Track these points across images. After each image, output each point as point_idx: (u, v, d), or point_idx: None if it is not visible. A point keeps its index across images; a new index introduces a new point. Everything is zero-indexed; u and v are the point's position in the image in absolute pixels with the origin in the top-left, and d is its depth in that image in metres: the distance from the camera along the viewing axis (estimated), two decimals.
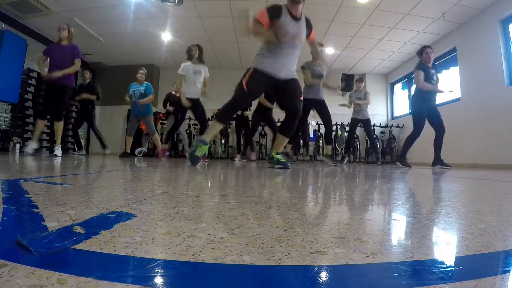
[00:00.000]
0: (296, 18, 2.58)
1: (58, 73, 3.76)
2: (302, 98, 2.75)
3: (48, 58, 3.94)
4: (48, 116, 4.25)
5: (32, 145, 3.96)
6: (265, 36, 2.52)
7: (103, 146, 5.73)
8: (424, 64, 4.20)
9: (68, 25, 4.05)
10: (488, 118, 5.24)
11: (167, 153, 5.13)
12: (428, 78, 4.12)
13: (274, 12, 2.50)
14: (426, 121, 4.20)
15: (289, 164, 2.80)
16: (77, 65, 3.94)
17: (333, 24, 6.21)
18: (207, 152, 8.02)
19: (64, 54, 3.89)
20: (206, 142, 2.64)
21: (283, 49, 2.56)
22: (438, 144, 4.18)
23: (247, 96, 2.66)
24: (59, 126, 4.01)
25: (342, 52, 7.58)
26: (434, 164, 4.21)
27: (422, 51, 4.23)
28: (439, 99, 4.23)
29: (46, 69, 3.94)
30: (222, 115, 2.63)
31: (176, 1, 5.13)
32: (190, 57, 4.51)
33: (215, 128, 2.69)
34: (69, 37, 4.00)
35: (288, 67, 2.64)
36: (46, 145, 6.54)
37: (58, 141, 4.02)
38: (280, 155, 2.85)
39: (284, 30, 2.50)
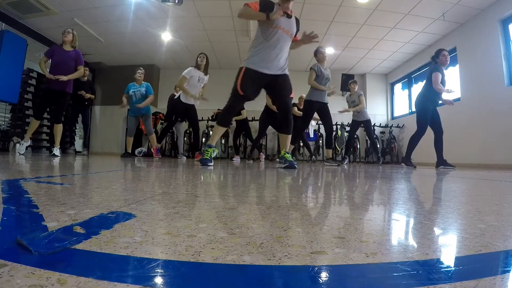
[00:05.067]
0: (288, 15, 2.68)
1: (63, 78, 3.80)
2: (292, 94, 2.84)
3: (50, 60, 3.96)
4: (46, 117, 4.33)
5: (24, 146, 4.05)
6: (254, 16, 2.58)
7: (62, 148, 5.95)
8: (440, 67, 4.22)
9: (73, 29, 4.07)
10: (488, 118, 5.24)
11: (159, 152, 5.34)
12: (443, 81, 4.17)
13: (265, 6, 2.56)
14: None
15: (295, 163, 2.83)
16: (80, 71, 4.00)
17: (333, 24, 6.20)
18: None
19: (67, 59, 3.93)
20: (212, 145, 2.78)
21: (270, 45, 2.65)
22: (438, 145, 4.19)
23: (243, 98, 2.73)
24: (59, 128, 4.11)
25: (342, 52, 7.57)
26: (438, 165, 4.23)
27: (438, 54, 4.24)
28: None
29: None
30: (222, 119, 2.76)
31: (176, 1, 5.13)
32: (197, 65, 4.73)
33: (218, 132, 2.83)
34: (73, 41, 4.02)
35: (276, 63, 2.70)
36: (46, 145, 6.54)
37: (57, 142, 4.12)
38: (289, 154, 2.87)
39: (276, 23, 2.59)
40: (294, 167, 2.74)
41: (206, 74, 4.83)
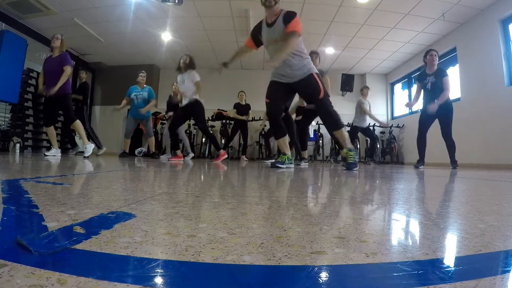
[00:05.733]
0: (269, 24, 2.73)
1: (54, 89, 3.78)
2: (322, 93, 2.80)
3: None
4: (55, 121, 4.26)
5: (53, 152, 3.95)
6: (241, 53, 3.18)
7: (98, 146, 5.67)
8: (421, 74, 4.38)
9: (61, 35, 4.04)
10: (488, 118, 5.24)
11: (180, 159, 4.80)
12: (422, 87, 4.35)
13: (255, 31, 2.91)
14: (438, 123, 4.28)
15: (357, 164, 2.88)
16: (66, 72, 3.89)
17: (333, 24, 6.20)
18: (206, 152, 8.02)
19: (54, 65, 3.91)
20: (284, 153, 3.00)
21: (273, 56, 2.77)
22: (446, 145, 4.22)
23: (272, 105, 2.93)
24: (78, 125, 4.08)
25: (342, 52, 7.57)
26: (452, 165, 4.26)
27: (426, 54, 4.32)
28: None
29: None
30: (274, 133, 3.04)
31: (176, 1, 5.13)
32: (179, 67, 4.65)
33: (281, 143, 3.03)
34: (61, 47, 3.98)
35: (288, 70, 2.76)
36: (46, 145, 6.54)
37: (84, 139, 4.11)
38: (352, 151, 2.89)
39: (264, 41, 2.84)
40: (352, 168, 2.78)
41: (183, 71, 4.57)
